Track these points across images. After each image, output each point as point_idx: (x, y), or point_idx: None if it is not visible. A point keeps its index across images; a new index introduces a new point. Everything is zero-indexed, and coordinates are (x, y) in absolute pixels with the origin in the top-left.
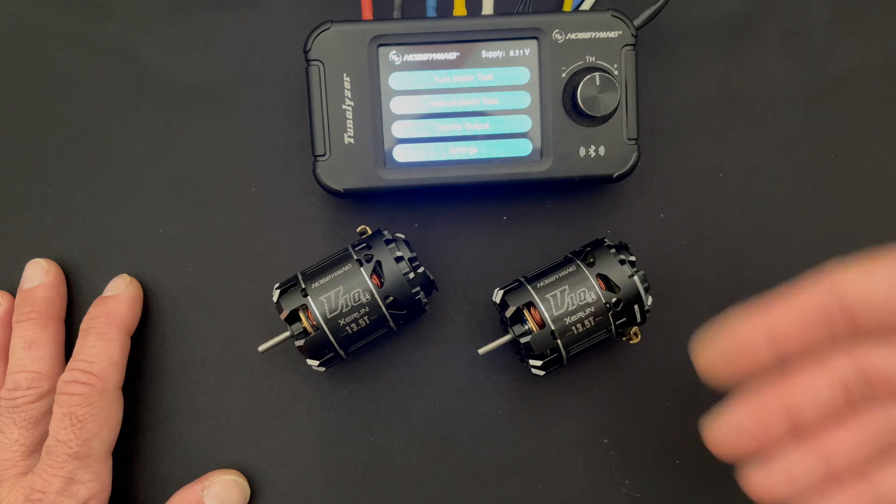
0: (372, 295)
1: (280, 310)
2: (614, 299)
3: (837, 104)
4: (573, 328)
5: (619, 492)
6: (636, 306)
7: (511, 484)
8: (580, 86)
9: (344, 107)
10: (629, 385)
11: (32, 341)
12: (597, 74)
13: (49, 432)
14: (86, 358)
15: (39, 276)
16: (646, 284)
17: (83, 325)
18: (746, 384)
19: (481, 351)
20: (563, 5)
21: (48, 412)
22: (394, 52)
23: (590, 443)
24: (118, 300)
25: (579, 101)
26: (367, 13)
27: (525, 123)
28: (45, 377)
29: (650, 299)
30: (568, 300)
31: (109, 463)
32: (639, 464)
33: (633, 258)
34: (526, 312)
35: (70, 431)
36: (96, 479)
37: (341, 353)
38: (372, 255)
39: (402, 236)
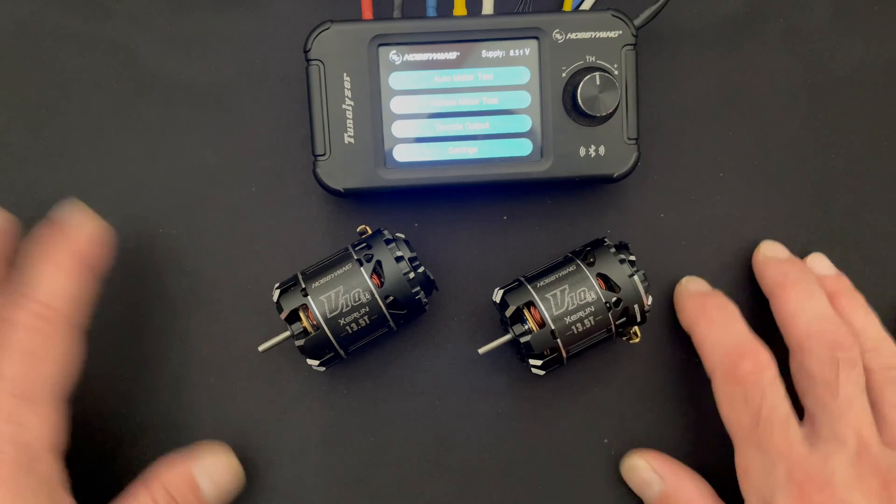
0: (372, 295)
1: (280, 310)
2: (614, 299)
3: (837, 104)
4: (573, 328)
5: (619, 492)
6: (636, 306)
7: (511, 484)
8: (580, 85)
9: (344, 107)
10: (629, 385)
11: None
12: (597, 74)
13: None
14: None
15: None
16: (646, 284)
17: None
18: None
19: (481, 351)
20: (563, 5)
21: None
22: (394, 51)
23: (590, 443)
24: (84, 239)
25: (579, 100)
26: (367, 13)
27: (525, 123)
28: None
29: (650, 299)
30: (568, 300)
31: (58, 407)
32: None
33: (633, 258)
34: (526, 312)
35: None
36: (45, 423)
37: (341, 352)
38: (372, 255)
39: (402, 236)
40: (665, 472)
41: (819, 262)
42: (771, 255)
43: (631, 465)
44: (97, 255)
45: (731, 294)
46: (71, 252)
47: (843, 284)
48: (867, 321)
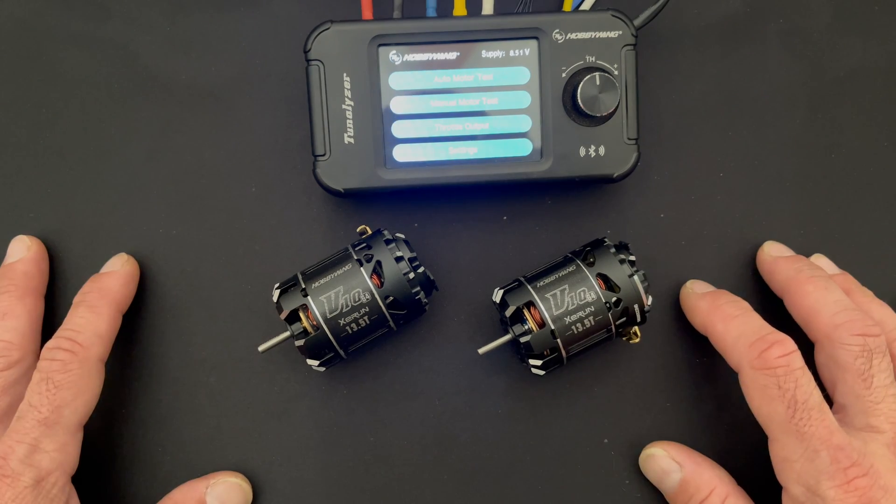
0: (372, 295)
1: (280, 310)
2: (614, 299)
3: (837, 104)
4: (573, 328)
5: (619, 492)
6: (636, 306)
7: (511, 484)
8: (580, 86)
9: (344, 107)
10: (629, 385)
11: (6, 312)
12: (597, 74)
13: (25, 397)
14: (72, 327)
15: (21, 251)
16: (646, 284)
17: (76, 299)
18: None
19: (481, 351)
20: (563, 5)
21: (17, 382)
22: (394, 51)
23: (590, 443)
24: (112, 276)
25: (579, 100)
26: (367, 13)
27: (525, 123)
28: (15, 347)
29: (650, 299)
30: (568, 300)
31: (79, 437)
32: (639, 464)
33: (633, 258)
34: (526, 312)
35: (44, 396)
36: (61, 450)
37: (341, 353)
38: (372, 255)
39: (402, 236)
40: (684, 460)
41: (822, 263)
42: (777, 254)
43: (649, 455)
44: (123, 293)
45: (731, 293)
46: (98, 290)
47: (851, 281)
48: (884, 312)
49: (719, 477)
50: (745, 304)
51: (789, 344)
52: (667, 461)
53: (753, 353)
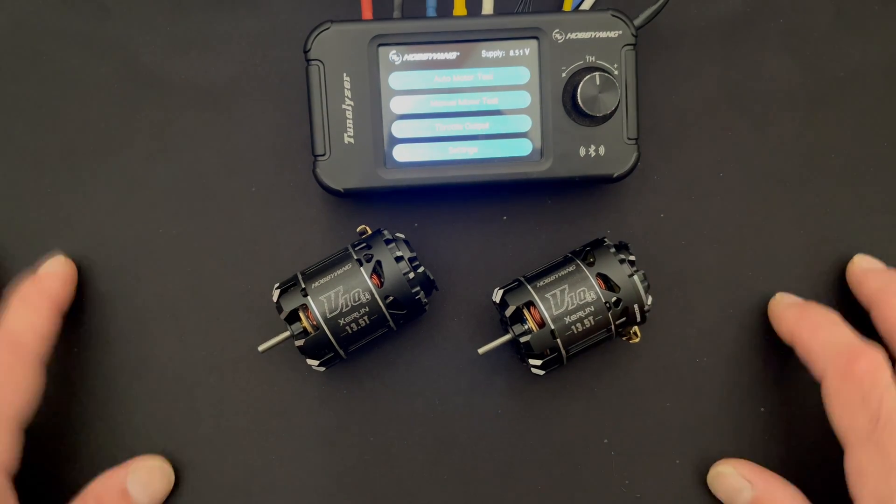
0: (372, 295)
1: (280, 310)
2: (614, 299)
3: (837, 104)
4: (573, 328)
5: (619, 492)
6: (636, 306)
7: (511, 484)
8: (580, 85)
9: (344, 107)
10: (629, 385)
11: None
12: (597, 74)
13: None
14: (14, 328)
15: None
16: (646, 284)
17: (14, 299)
18: None
19: (481, 351)
20: (563, 5)
21: None
22: (394, 51)
23: (590, 443)
24: (53, 277)
25: (579, 100)
26: (367, 13)
27: (525, 123)
28: None
29: (650, 299)
30: (568, 300)
31: (20, 438)
32: (639, 464)
33: (632, 258)
34: (526, 312)
35: None
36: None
37: (341, 353)
38: (372, 255)
39: (402, 236)
40: (754, 478)
41: None
42: (868, 267)
43: (718, 473)
44: (63, 294)
45: (731, 293)
46: (39, 291)
47: None
48: None
49: (791, 496)
50: (836, 315)
51: (878, 356)
52: (737, 479)
53: (840, 362)
